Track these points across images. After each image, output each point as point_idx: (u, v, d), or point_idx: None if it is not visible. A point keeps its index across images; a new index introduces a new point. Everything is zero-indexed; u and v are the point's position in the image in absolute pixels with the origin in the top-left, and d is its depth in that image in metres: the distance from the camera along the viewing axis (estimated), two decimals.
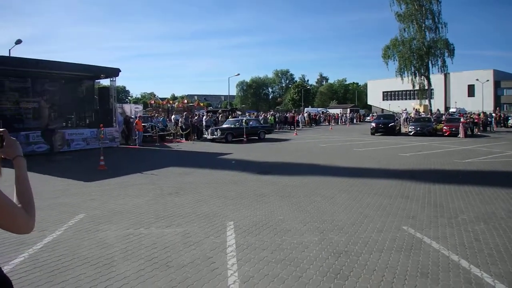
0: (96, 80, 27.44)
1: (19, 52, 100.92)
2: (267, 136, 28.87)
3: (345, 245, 5.78)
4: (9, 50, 27.60)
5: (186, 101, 48.60)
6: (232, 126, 27.35)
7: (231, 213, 7.73)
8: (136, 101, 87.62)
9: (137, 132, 24.37)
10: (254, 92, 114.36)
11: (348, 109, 74.24)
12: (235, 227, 6.73)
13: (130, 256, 5.45)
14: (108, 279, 4.68)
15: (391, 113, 47.94)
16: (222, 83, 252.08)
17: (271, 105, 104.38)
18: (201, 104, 49.91)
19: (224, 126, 27.62)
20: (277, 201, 8.74)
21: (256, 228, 6.69)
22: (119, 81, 24.85)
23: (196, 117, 30.10)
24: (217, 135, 25.60)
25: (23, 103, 24.04)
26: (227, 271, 4.88)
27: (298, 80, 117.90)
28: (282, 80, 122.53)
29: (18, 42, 26.67)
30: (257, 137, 28.08)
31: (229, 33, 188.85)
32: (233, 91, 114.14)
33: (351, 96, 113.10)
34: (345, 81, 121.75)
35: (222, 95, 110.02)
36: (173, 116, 32.02)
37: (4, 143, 1.69)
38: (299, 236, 6.24)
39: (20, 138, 18.57)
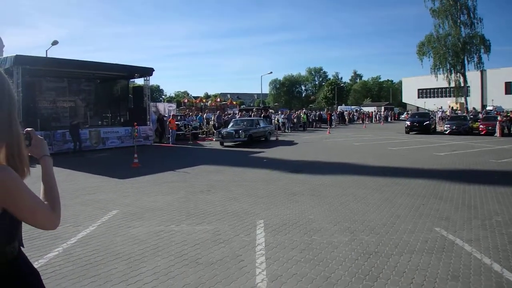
0: (131, 80, 28.00)
1: (55, 53, 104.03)
2: (291, 135, 28.51)
3: (375, 246, 5.67)
4: (46, 51, 28.45)
5: (219, 99, 48.91)
6: (245, 127, 23.48)
7: (262, 211, 7.72)
8: (170, 99, 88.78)
9: (170, 130, 24.71)
10: (287, 90, 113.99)
11: (383, 107, 73.14)
12: (265, 226, 6.70)
13: (160, 252, 5.51)
14: (138, 274, 4.74)
15: (426, 111, 46.95)
16: (255, 81, 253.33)
17: (304, 103, 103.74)
18: (234, 103, 50.13)
19: (235, 127, 23.48)
20: (308, 200, 8.67)
21: (286, 227, 6.64)
22: (153, 80, 25.44)
23: (229, 116, 30.25)
24: (238, 136, 22.20)
25: (59, 102, 24.82)
26: (255, 269, 4.86)
27: (331, 77, 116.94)
28: (315, 78, 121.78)
29: (55, 43, 27.46)
30: (264, 139, 24.90)
31: (262, 31, 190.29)
32: (266, 89, 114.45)
33: (386, 94, 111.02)
34: (380, 78, 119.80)
35: (255, 94, 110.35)
36: (205, 115, 32.29)
37: (31, 142, 1.72)
38: (329, 236, 6.16)
39: (56, 137, 19.16)
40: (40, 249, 5.63)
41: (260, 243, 5.83)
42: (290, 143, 24.21)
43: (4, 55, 21.32)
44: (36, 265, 3.95)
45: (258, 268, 4.91)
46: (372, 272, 4.74)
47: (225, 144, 22.61)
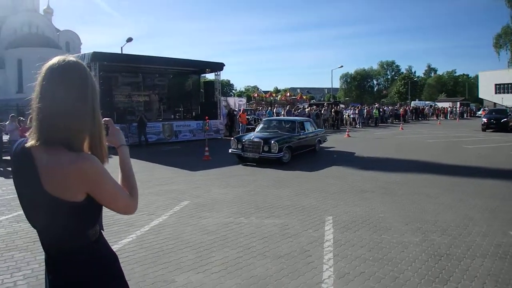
0: (202, 74, 28.67)
1: (130, 50, 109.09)
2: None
3: (447, 248, 5.40)
4: (121, 48, 29.73)
5: (289, 94, 48.84)
6: (280, 133, 14.51)
7: (331, 207, 7.61)
8: (240, 94, 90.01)
9: (240, 124, 25.04)
10: (358, 85, 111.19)
11: (458, 103, 69.14)
12: (334, 222, 6.61)
13: (229, 243, 5.61)
14: (207, 264, 4.87)
15: (504, 107, 43.86)
16: (325, 75, 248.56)
17: (376, 98, 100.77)
18: (304, 97, 49.83)
19: (264, 133, 14.59)
20: (378, 197, 8.43)
21: (355, 224, 6.50)
22: (224, 75, 25.81)
23: (299, 110, 30.10)
24: (269, 149, 13.01)
25: (134, 96, 26.00)
26: (322, 266, 4.81)
27: (404, 71, 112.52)
28: (388, 72, 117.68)
29: (129, 40, 28.58)
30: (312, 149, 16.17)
31: (332, 23, 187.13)
32: (337, 84, 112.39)
33: (461, 89, 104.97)
34: (455, 72, 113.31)
35: (325, 88, 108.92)
36: (275, 109, 32.36)
37: (109, 132, 1.81)
38: (399, 235, 5.96)
39: (131, 129, 20.08)
40: (116, 235, 5.95)
41: (328, 240, 5.76)
42: (361, 139, 23.65)
43: (82, 52, 22.60)
44: None
45: (325, 264, 4.85)
46: (443, 275, 4.52)
47: (246, 156, 13.65)
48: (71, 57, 1.63)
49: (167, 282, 4.39)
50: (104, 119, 1.77)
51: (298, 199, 8.29)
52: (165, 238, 5.88)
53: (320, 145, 17.18)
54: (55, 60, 1.60)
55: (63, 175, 1.50)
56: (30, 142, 1.54)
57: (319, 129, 18.48)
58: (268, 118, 20.41)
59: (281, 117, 23.51)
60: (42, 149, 1.53)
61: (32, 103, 1.57)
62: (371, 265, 4.81)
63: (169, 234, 6.05)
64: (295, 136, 14.47)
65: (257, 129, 16.04)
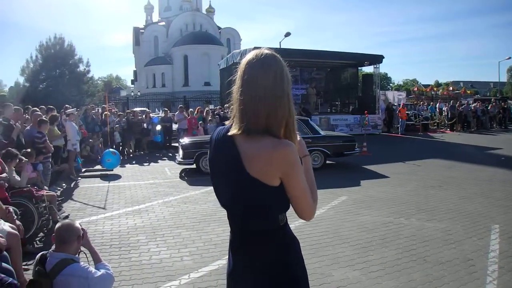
0: (360, 67, 28.19)
1: (287, 44, 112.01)
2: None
3: None
4: (279, 42, 30.65)
5: (451, 88, 45.16)
6: None
7: (498, 215, 6.87)
8: (398, 88, 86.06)
9: (400, 120, 24.05)
10: None
11: None
12: (501, 231, 5.97)
13: (388, 243, 5.51)
14: (365, 262, 4.86)
15: None
16: (491, 67, 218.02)
17: None
18: (468, 92, 45.55)
19: None
20: None
21: None
22: (381, 68, 24.79)
23: (463, 106, 27.62)
24: None
25: (293, 90, 26.70)
26: (486, 277, 4.42)
27: None
28: None
29: (287, 34, 29.23)
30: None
31: (498, 9, 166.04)
32: (504, 77, 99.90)
33: None
34: None
35: (490, 82, 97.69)
36: (438, 104, 30.29)
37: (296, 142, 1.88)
38: None
39: None
40: None
41: (494, 250, 5.25)
42: None
43: (242, 48, 23.90)
44: None
45: (489, 276, 4.45)
46: None
47: None
48: (266, 50, 1.76)
49: (324, 275, 4.50)
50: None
51: (462, 203, 7.68)
52: (322, 231, 6.01)
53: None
54: (252, 54, 1.74)
55: (265, 159, 1.61)
56: (233, 131, 1.69)
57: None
58: None
59: None
60: (244, 136, 1.66)
61: (233, 95, 1.73)
62: None
63: (327, 228, 6.16)
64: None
65: None
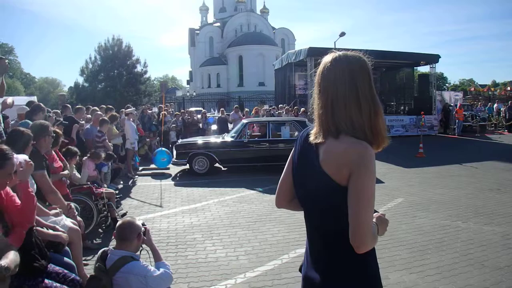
0: (415, 67, 27.48)
1: (343, 44, 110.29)
2: None
3: None
4: (334, 42, 30.23)
5: (509, 88, 42.92)
6: None
7: None
8: (454, 88, 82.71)
9: (456, 121, 23.24)
10: None
11: None
12: None
13: (445, 247, 5.45)
14: (421, 265, 4.84)
15: None
16: None
17: None
18: None
19: None
20: None
21: None
22: (437, 68, 24.00)
23: None
24: None
25: None
26: None
27: None
28: None
29: (342, 34, 28.83)
30: None
31: None
32: None
33: None
34: None
35: None
36: (495, 105, 29.00)
37: None
38: None
39: None
40: None
41: None
42: None
43: (296, 48, 23.84)
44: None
45: None
46: None
47: None
48: (340, 53, 1.80)
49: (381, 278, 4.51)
50: None
51: None
52: None
53: None
54: (328, 57, 1.78)
55: (340, 156, 1.61)
56: (314, 139, 1.71)
57: None
58: None
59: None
60: (325, 140, 1.68)
61: (314, 97, 1.77)
62: None
63: None
64: None
65: None
